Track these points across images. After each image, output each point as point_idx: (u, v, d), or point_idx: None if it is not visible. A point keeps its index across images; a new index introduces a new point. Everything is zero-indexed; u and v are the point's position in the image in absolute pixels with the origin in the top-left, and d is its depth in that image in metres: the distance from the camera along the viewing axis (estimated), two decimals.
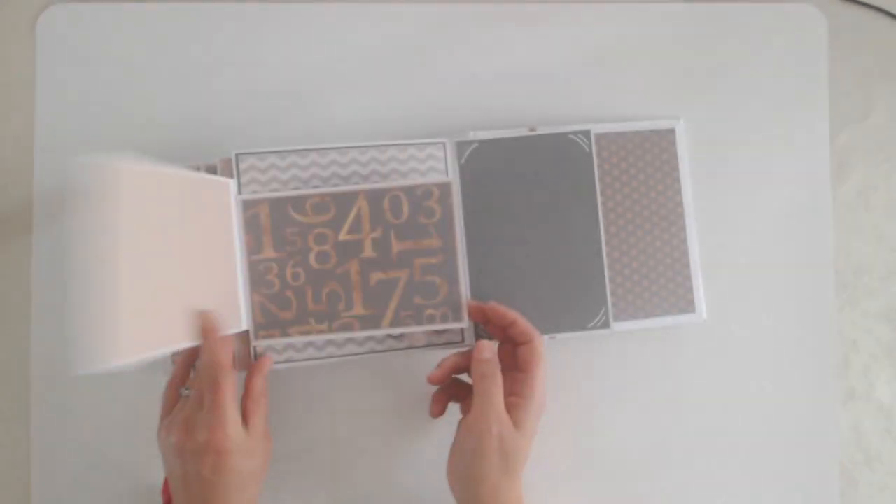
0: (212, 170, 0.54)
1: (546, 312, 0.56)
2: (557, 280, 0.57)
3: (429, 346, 0.55)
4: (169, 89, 0.59)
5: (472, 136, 0.57)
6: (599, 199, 0.58)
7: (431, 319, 0.54)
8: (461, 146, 0.57)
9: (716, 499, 0.60)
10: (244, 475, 0.48)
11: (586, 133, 0.58)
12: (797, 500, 0.60)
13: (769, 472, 0.60)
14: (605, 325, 0.57)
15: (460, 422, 0.52)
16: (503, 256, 0.57)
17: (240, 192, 0.53)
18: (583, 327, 0.57)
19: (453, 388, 0.55)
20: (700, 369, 0.60)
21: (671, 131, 0.59)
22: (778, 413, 0.61)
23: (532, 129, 0.58)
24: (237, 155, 0.53)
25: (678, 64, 0.62)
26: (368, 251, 0.54)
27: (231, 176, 0.53)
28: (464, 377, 0.55)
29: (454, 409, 0.55)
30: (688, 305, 0.58)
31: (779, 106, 0.62)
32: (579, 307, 0.57)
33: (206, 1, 0.60)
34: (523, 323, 0.52)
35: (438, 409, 0.55)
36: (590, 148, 0.58)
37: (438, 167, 0.56)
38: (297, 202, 0.53)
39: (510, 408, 0.50)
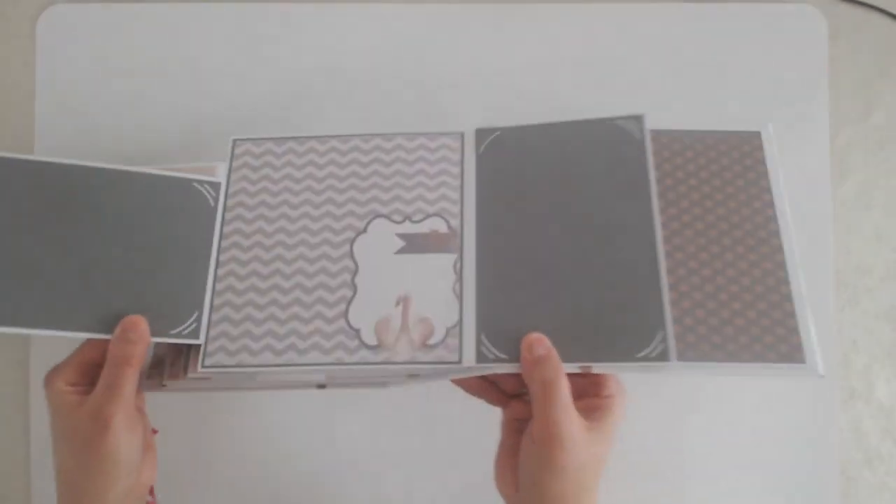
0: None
1: (577, 336, 0.43)
2: (594, 294, 0.44)
3: (412, 363, 0.44)
4: (169, 89, 0.59)
5: (495, 123, 0.50)
6: (654, 197, 0.46)
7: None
8: (480, 134, 0.50)
9: (715, 498, 0.60)
10: (65, 447, 0.42)
11: (638, 119, 0.48)
12: (797, 500, 0.60)
13: (769, 472, 0.60)
14: (663, 356, 0.41)
15: (523, 436, 0.43)
16: (527, 266, 0.45)
17: (229, 178, 0.50)
18: (629, 357, 0.42)
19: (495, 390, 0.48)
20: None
21: (756, 135, 0.49)
22: (778, 413, 0.61)
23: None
24: (235, 140, 0.51)
25: (678, 64, 0.62)
26: None
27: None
28: None
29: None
30: (792, 352, 0.42)
31: (779, 106, 0.62)
32: (624, 330, 0.42)
33: (207, 1, 0.60)
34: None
35: (498, 399, 0.47)
36: (641, 135, 0.47)
37: (452, 158, 0.49)
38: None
39: (587, 410, 0.42)
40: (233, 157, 0.50)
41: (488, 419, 0.47)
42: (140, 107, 0.59)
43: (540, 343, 0.42)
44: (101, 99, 0.58)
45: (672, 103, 0.61)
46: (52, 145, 0.58)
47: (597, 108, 0.60)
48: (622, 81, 0.62)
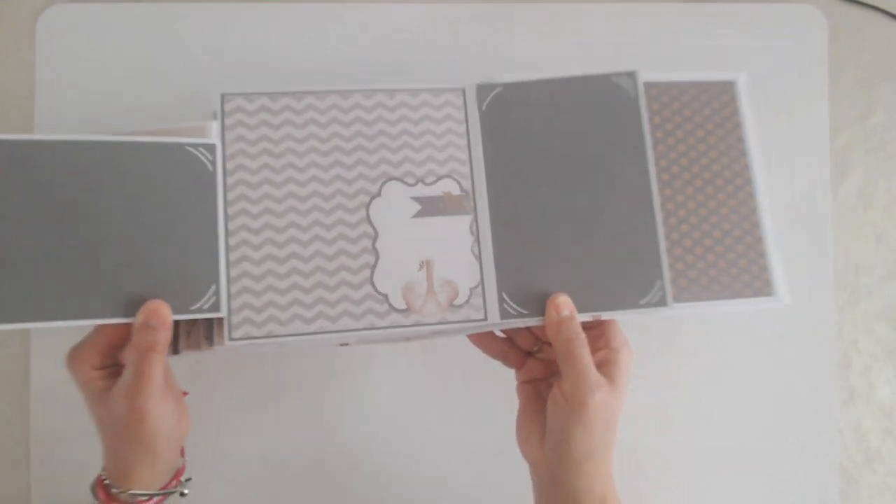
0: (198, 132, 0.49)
1: (587, 288, 0.47)
2: (601, 248, 0.48)
3: (442, 323, 0.47)
4: (169, 90, 0.59)
5: (496, 78, 0.50)
6: (650, 155, 0.49)
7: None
8: (482, 91, 0.50)
9: (715, 499, 0.60)
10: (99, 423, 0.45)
11: (631, 75, 0.51)
12: (797, 500, 0.60)
13: (769, 472, 0.60)
14: (662, 301, 0.47)
15: (550, 395, 0.46)
16: (533, 220, 0.48)
17: (223, 138, 0.47)
18: (633, 305, 0.47)
19: (512, 352, 0.52)
20: (699, 368, 0.60)
21: (731, 84, 0.53)
22: (778, 413, 0.61)
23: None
24: (223, 95, 0.48)
25: (678, 64, 0.62)
26: None
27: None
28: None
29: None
30: (763, 287, 0.50)
31: (779, 106, 0.62)
32: (628, 281, 0.48)
33: (207, 1, 0.60)
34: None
35: (516, 362, 0.51)
36: (635, 92, 0.50)
37: (456, 116, 0.49)
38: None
39: (600, 365, 0.45)
40: (223, 114, 0.47)
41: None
42: (140, 107, 0.58)
43: (566, 305, 0.46)
44: (101, 99, 0.58)
45: None
46: None
47: None
48: None
